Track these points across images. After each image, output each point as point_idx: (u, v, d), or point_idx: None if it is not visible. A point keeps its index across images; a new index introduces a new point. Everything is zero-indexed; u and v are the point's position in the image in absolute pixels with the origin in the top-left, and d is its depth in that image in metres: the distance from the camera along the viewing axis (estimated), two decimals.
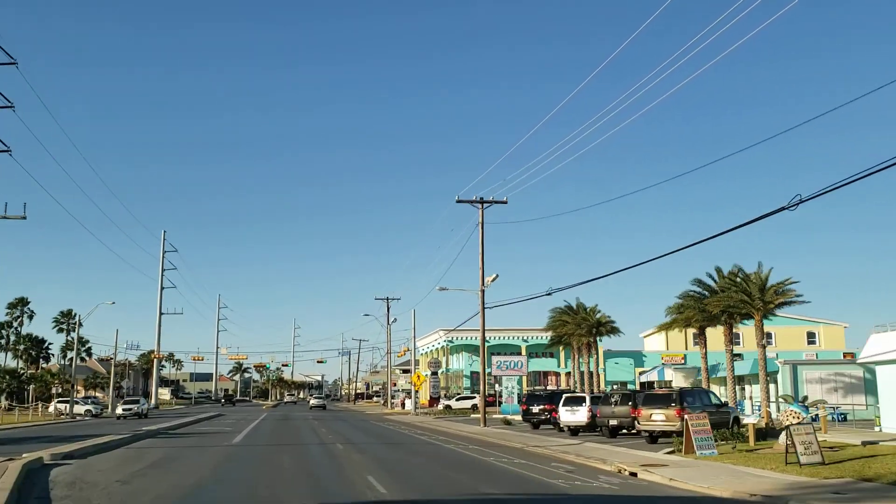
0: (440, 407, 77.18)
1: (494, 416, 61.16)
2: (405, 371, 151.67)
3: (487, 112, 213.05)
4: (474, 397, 78.26)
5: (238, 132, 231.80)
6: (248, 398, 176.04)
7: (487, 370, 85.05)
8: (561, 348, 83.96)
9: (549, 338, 64.16)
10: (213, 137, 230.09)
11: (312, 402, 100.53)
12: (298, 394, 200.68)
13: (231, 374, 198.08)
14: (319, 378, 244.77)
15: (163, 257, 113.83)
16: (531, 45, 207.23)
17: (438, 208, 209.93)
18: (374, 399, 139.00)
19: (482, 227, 46.79)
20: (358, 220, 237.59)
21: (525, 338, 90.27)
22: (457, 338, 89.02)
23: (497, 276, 46.15)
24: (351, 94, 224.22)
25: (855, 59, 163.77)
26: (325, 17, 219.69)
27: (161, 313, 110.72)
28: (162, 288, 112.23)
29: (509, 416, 59.00)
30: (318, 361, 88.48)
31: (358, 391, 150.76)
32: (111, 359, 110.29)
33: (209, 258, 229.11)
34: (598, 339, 54.54)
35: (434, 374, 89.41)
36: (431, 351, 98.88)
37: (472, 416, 64.33)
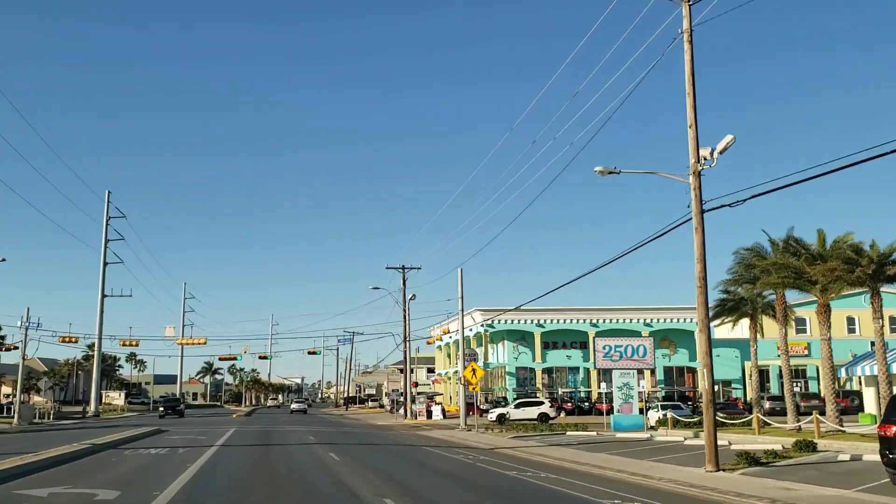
0: (492, 417, 51.40)
1: (598, 431, 36.02)
2: (402, 371, 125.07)
3: (488, 112, 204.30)
4: (541, 402, 52.64)
5: (238, 132, 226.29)
6: (218, 402, 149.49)
7: (561, 361, 60.29)
8: (693, 328, 58.33)
9: (715, 310, 38.10)
10: (213, 137, 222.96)
11: (293, 406, 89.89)
12: (277, 398, 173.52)
13: (200, 376, 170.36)
14: (299, 381, 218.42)
15: (106, 224, 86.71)
16: (532, 46, 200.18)
17: (435, 205, 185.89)
18: (370, 404, 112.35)
19: (689, 40, 21.41)
20: (358, 221, 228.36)
21: (594, 321, 64.61)
22: (498, 321, 63.12)
23: (733, 138, 20.59)
24: (351, 94, 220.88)
25: None
26: (324, 18, 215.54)
27: (104, 295, 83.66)
28: (105, 263, 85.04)
29: (664, 436, 33.78)
30: (309, 353, 62.92)
31: (348, 395, 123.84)
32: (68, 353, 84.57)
33: (188, 257, 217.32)
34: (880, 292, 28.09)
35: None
36: (458, 340, 72.54)
37: (572, 433, 38.63)
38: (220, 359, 62.42)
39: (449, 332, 55.81)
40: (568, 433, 39.18)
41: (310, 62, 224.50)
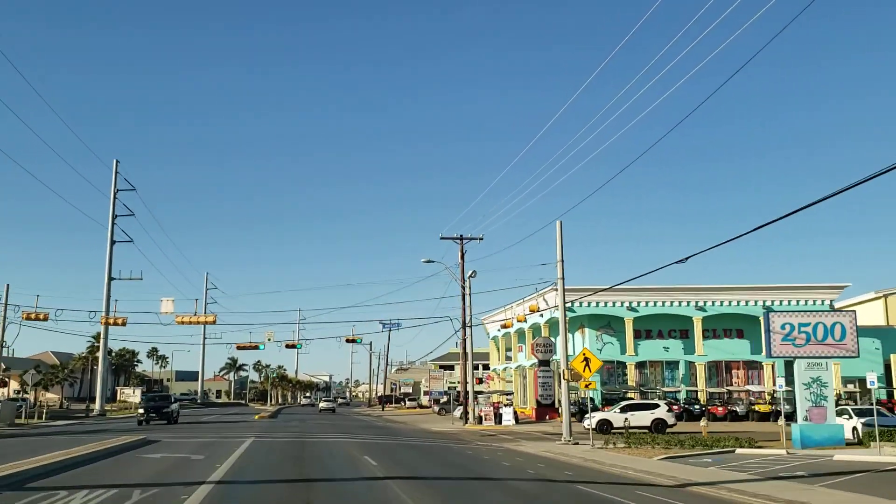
0: (589, 424, 38.18)
1: (774, 446, 23.28)
2: (445, 367, 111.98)
3: (490, 114, 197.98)
4: (656, 405, 39.71)
5: (239, 133, 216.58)
6: (243, 401, 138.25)
7: (656, 353, 48.56)
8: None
9: None
10: (213, 137, 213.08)
11: (322, 405, 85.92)
12: (304, 396, 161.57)
13: (224, 373, 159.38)
14: (327, 378, 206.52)
15: (114, 198, 75.36)
16: (537, 47, 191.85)
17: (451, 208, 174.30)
18: (408, 404, 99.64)
19: None
20: (365, 221, 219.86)
21: (700, 303, 51.28)
22: (580, 303, 50.16)
23: None
24: (354, 96, 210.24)
25: None
26: (326, 19, 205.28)
27: (111, 277, 72.08)
28: (112, 242, 73.67)
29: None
30: (347, 340, 50.10)
31: (384, 393, 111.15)
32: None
33: (207, 255, 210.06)
34: None
35: (544, 364, 50.53)
36: (526, 328, 59.39)
37: (745, 452, 25.87)
38: (238, 348, 50.05)
39: (538, 311, 42.80)
40: (738, 451, 26.23)
41: (311, 63, 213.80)
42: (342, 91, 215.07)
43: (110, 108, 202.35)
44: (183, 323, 35.45)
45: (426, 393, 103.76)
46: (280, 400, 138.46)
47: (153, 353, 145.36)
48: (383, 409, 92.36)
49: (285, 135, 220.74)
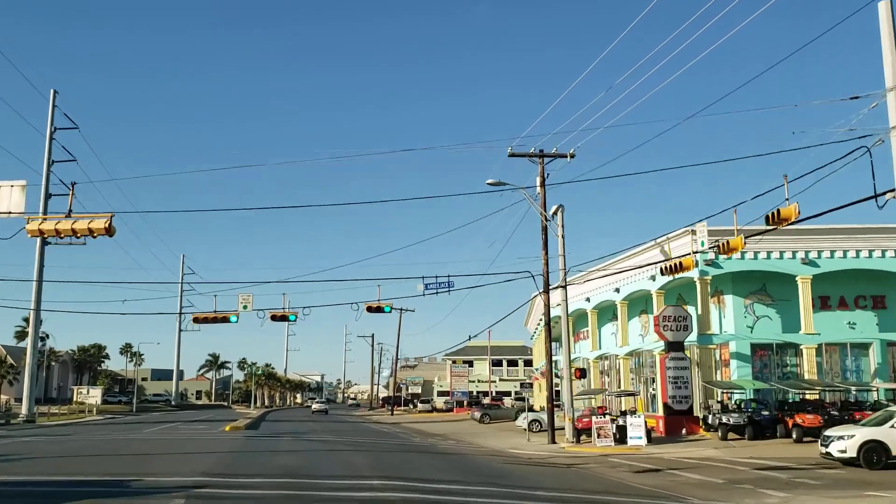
0: (840, 451, 19.37)
1: None
2: (468, 363, 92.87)
3: (493, 115, 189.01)
4: None
5: (238, 133, 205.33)
6: (225, 403, 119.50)
7: (836, 332, 35.23)
8: None
9: None
10: (218, 139, 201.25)
11: (315, 406, 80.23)
12: (294, 397, 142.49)
13: (203, 371, 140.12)
14: (318, 378, 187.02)
15: (50, 137, 56.66)
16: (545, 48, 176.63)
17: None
18: (420, 406, 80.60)
19: None
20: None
21: None
22: (730, 255, 31.13)
23: None
24: (353, 96, 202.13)
25: None
26: (328, 21, 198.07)
27: (45, 242, 52.97)
28: (48, 195, 54.19)
29: None
30: (368, 309, 30.68)
31: (394, 394, 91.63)
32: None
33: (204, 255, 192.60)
34: None
35: (676, 347, 31.59)
36: (630, 294, 40.01)
37: None
38: (195, 320, 31.64)
39: (677, 268, 22.52)
40: None
41: (314, 65, 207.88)
42: (341, 91, 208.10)
43: (109, 108, 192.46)
44: (43, 235, 15.96)
45: (442, 393, 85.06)
46: (267, 401, 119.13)
47: (126, 348, 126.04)
48: (392, 413, 73.32)
49: (284, 135, 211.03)
